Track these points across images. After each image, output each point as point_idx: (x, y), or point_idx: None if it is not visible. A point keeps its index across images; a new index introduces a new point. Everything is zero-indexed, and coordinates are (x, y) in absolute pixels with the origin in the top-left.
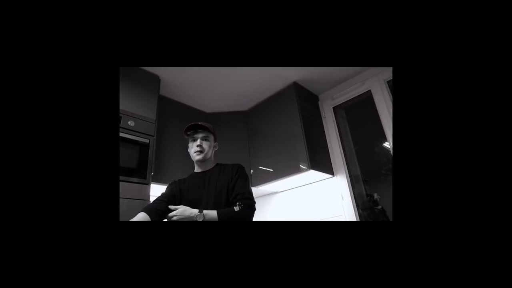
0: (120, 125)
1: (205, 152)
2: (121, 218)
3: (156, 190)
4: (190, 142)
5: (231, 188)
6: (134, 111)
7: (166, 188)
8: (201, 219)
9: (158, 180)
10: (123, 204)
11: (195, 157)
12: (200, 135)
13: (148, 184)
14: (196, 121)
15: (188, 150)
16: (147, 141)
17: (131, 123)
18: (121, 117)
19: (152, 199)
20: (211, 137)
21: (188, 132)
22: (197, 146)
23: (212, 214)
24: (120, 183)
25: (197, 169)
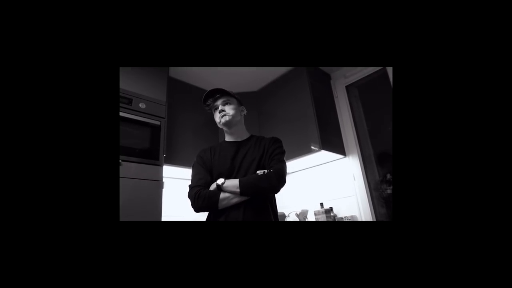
0: (131, 107)
1: (229, 114)
2: (134, 199)
3: (169, 172)
4: (213, 113)
5: (267, 163)
6: (144, 93)
7: (198, 169)
8: (220, 182)
9: (170, 162)
10: (136, 185)
11: (222, 121)
12: (220, 101)
13: (160, 165)
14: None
15: (217, 123)
16: (158, 123)
17: (142, 105)
18: (132, 99)
19: (165, 180)
20: (233, 100)
21: (208, 103)
22: (220, 112)
23: (233, 181)
24: (133, 164)
25: (228, 138)
